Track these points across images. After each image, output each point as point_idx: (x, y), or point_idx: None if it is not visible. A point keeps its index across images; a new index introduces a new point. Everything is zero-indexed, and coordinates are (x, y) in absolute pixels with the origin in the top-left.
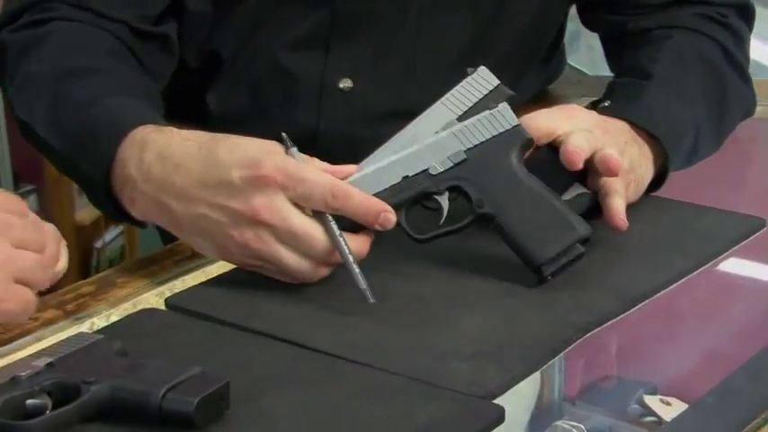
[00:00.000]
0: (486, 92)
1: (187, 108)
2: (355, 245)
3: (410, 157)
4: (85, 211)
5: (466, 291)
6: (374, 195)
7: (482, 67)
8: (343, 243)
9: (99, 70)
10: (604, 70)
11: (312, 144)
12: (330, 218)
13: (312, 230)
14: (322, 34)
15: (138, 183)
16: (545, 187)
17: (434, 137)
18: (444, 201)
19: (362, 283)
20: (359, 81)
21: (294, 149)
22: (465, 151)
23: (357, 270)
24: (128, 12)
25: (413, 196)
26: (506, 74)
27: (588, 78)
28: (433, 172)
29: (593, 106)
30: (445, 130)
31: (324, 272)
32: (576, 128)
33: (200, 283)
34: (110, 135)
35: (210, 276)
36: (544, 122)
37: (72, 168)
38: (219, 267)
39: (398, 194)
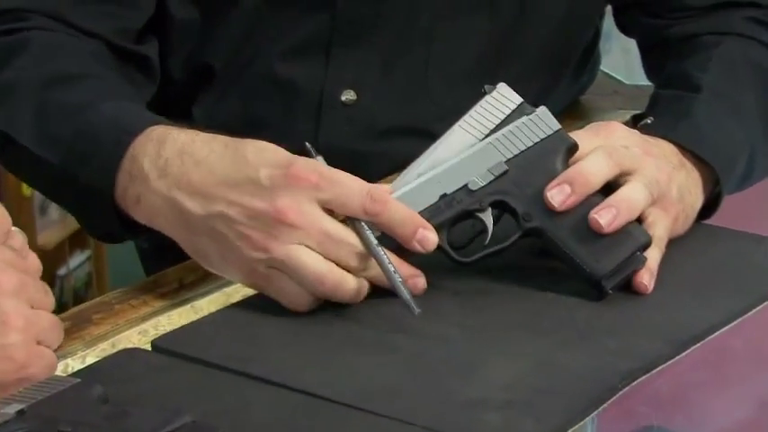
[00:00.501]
0: (508, 111)
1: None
2: (395, 261)
3: (446, 173)
4: (48, 234)
5: (493, 328)
6: None
7: (502, 84)
8: (382, 252)
9: (88, 75)
10: (643, 78)
11: None
12: (366, 226)
13: (347, 234)
14: (322, 41)
15: (150, 179)
16: (595, 193)
17: (471, 149)
18: (488, 218)
19: (405, 294)
20: (363, 93)
21: (320, 158)
22: (506, 162)
23: (399, 279)
24: (105, 24)
25: (453, 216)
26: (532, 86)
27: (626, 88)
28: (473, 187)
29: (635, 122)
30: (485, 141)
31: (351, 286)
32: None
33: (191, 323)
34: (117, 137)
35: (200, 311)
36: (584, 143)
37: (64, 183)
38: (210, 302)
39: (437, 215)
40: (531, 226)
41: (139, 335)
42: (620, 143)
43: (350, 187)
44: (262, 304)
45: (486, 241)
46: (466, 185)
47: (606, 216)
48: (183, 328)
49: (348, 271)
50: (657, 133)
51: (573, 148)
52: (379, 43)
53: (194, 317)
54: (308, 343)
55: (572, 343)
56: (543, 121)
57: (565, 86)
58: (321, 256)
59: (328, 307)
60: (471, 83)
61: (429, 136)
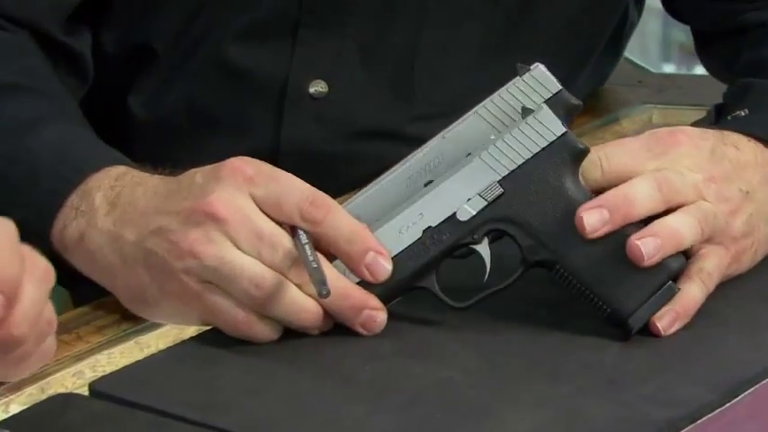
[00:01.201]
0: (541, 101)
1: (101, 113)
2: (341, 284)
3: (429, 202)
4: None
5: (503, 372)
6: (392, 260)
7: (539, 66)
8: (310, 252)
9: (20, 86)
10: (660, 62)
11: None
12: (303, 233)
13: (279, 234)
14: (287, 21)
15: (99, 214)
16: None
17: (456, 169)
18: (485, 250)
19: (319, 275)
20: (336, 85)
21: None
22: (500, 181)
23: (313, 261)
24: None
25: (442, 252)
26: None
27: (652, 77)
28: (462, 217)
29: (718, 114)
30: (471, 156)
31: (294, 296)
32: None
33: (136, 363)
34: (65, 174)
35: (147, 348)
36: (620, 160)
37: None
38: (159, 338)
39: (422, 254)
40: (537, 259)
41: (74, 377)
42: (680, 164)
43: (288, 185)
44: (222, 339)
45: (485, 278)
46: (453, 216)
47: (650, 245)
48: (127, 368)
49: (281, 268)
50: (753, 131)
51: (581, 154)
52: (357, 26)
53: (140, 355)
54: (282, 387)
55: (598, 389)
56: (543, 125)
57: (585, 79)
58: (252, 254)
59: (304, 341)
60: (468, 77)
61: (414, 140)
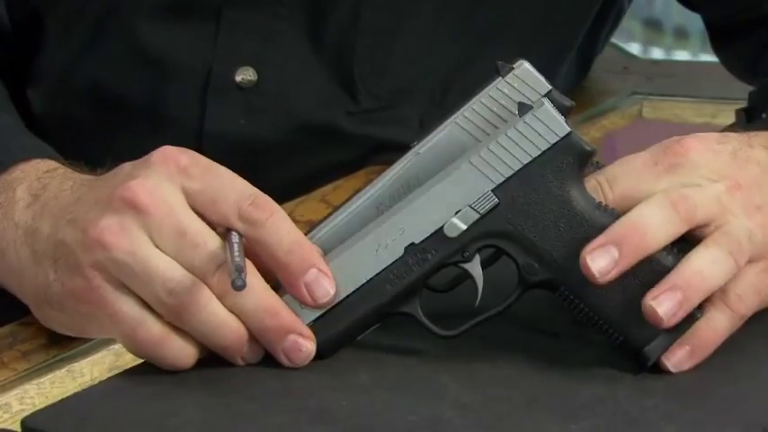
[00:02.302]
0: (528, 103)
1: None
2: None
3: (411, 215)
4: None
5: (502, 408)
6: (368, 283)
7: (523, 63)
8: (238, 251)
9: None
10: (647, 47)
11: None
12: (236, 234)
13: (210, 239)
14: None
15: (17, 208)
16: None
17: (442, 176)
18: (476, 268)
19: (239, 261)
20: (266, 72)
21: None
22: (494, 190)
23: (237, 254)
24: None
25: (426, 272)
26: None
27: (639, 64)
28: (450, 233)
29: (748, 117)
30: (460, 162)
31: (215, 310)
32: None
33: (73, 395)
34: None
35: (80, 377)
36: (625, 183)
37: None
38: (94, 365)
39: (404, 275)
40: (537, 280)
41: (0, 410)
42: (696, 175)
43: (228, 181)
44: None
45: (477, 301)
46: (440, 230)
47: (667, 303)
48: (63, 402)
49: (200, 272)
50: None
51: (587, 156)
52: (290, 5)
53: (73, 385)
54: (248, 425)
55: (615, 429)
56: (544, 124)
57: (572, 68)
58: (170, 252)
59: (270, 371)
60: (417, 69)
61: (355, 138)
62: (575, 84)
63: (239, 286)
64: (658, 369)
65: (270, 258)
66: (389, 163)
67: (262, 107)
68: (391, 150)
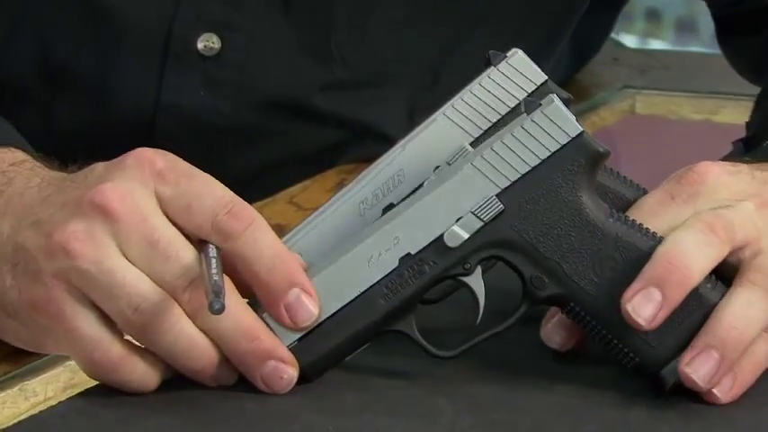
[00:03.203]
0: (523, 94)
1: None
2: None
3: (407, 223)
4: None
5: None
6: (359, 299)
7: (517, 51)
8: (215, 267)
9: None
10: (635, 37)
11: (147, 139)
12: (213, 248)
13: (184, 250)
14: None
15: None
16: (646, 233)
17: (441, 179)
18: (477, 282)
19: (217, 280)
20: (231, 40)
21: None
22: (498, 196)
23: (216, 271)
24: None
25: (423, 286)
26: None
27: (629, 54)
28: (451, 243)
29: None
30: (457, 162)
31: (184, 328)
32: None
33: (32, 417)
34: None
35: (33, 396)
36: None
37: None
38: (46, 382)
39: (399, 289)
40: (545, 295)
41: None
42: (720, 198)
43: (204, 187)
44: None
45: (478, 319)
46: (440, 239)
47: (704, 368)
48: (20, 425)
49: (171, 287)
50: None
51: (601, 159)
52: None
53: (26, 405)
54: None
55: None
56: (553, 122)
57: (564, 59)
58: (140, 264)
59: (243, 389)
60: (396, 39)
61: (326, 116)
62: (567, 76)
63: (217, 310)
64: (675, 392)
65: (247, 274)
66: (365, 159)
67: (224, 79)
68: (370, 139)
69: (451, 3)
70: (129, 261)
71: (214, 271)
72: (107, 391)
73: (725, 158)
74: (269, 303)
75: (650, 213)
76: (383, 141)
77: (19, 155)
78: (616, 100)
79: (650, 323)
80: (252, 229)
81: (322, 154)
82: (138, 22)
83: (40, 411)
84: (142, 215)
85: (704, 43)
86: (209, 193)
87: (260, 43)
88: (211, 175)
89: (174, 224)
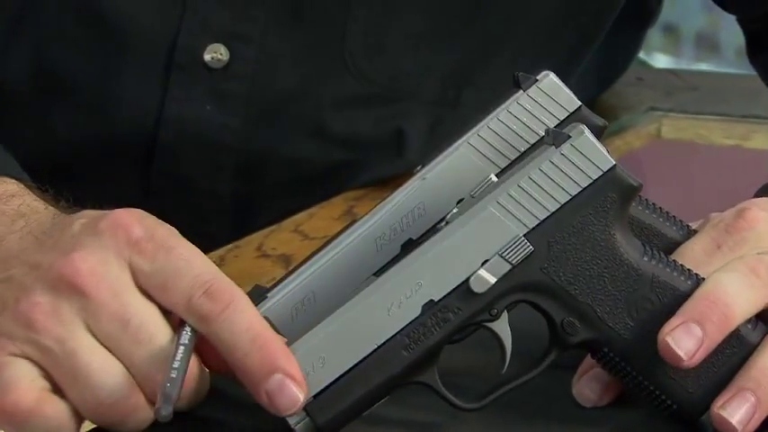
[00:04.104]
0: (555, 121)
1: None
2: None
3: (429, 267)
4: None
5: None
6: (379, 350)
7: (548, 74)
8: (180, 361)
9: None
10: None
11: (147, 155)
12: (189, 331)
13: (153, 325)
14: None
15: None
16: (683, 272)
17: (467, 215)
18: (504, 328)
19: (173, 375)
20: (240, 52)
21: None
22: (527, 236)
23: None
24: None
25: (448, 335)
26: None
27: (655, 74)
28: (477, 288)
29: None
30: (480, 198)
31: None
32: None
33: None
34: None
35: None
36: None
37: None
38: None
39: (422, 339)
40: (578, 340)
41: None
42: (765, 244)
43: (183, 262)
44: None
45: (504, 368)
46: (465, 284)
47: (739, 412)
48: None
49: (139, 373)
50: None
51: (634, 193)
52: None
53: None
54: None
55: None
56: (584, 156)
57: (587, 77)
58: (108, 351)
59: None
60: (414, 52)
61: (347, 139)
62: (591, 98)
63: (162, 417)
64: None
65: (226, 357)
66: (378, 182)
67: (232, 92)
68: (385, 159)
69: (474, 16)
70: (97, 340)
71: (176, 365)
72: None
73: (762, 189)
74: (250, 388)
75: (695, 263)
76: (398, 162)
77: (10, 188)
78: (641, 123)
79: (690, 359)
80: (229, 311)
81: (333, 174)
82: (141, 32)
83: None
84: (113, 291)
85: (727, 61)
86: (186, 271)
87: (270, 55)
88: (212, 199)
89: (150, 298)
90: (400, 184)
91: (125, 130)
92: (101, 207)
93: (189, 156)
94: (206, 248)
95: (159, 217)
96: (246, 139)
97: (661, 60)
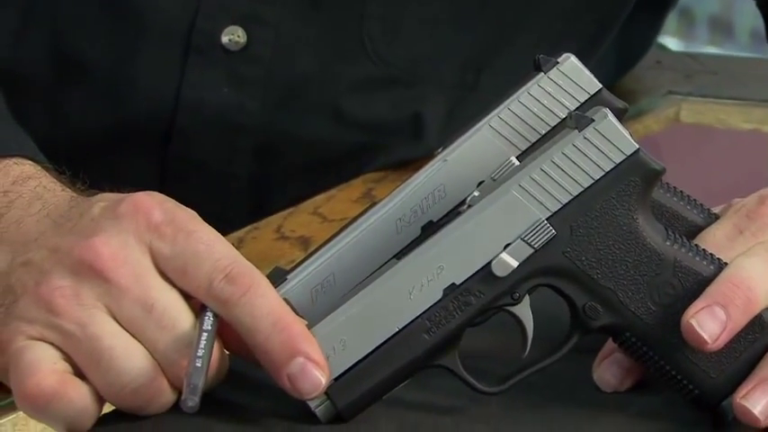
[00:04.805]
0: (575, 104)
1: None
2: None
3: (450, 251)
4: None
5: None
6: (400, 334)
7: (569, 57)
8: (204, 348)
9: None
10: (694, 40)
11: (164, 139)
12: (210, 316)
13: (177, 310)
14: None
15: None
16: (706, 257)
17: (488, 198)
18: (526, 312)
19: (198, 365)
20: (258, 34)
21: None
22: (549, 220)
23: (201, 366)
24: None
25: (470, 318)
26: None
27: (673, 57)
28: (499, 272)
29: None
30: (502, 182)
31: (167, 400)
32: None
33: None
34: None
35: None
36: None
37: None
38: (13, 424)
39: (443, 323)
40: (599, 324)
41: None
42: None
43: (204, 246)
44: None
45: (525, 352)
46: (487, 268)
47: (760, 403)
48: None
49: (164, 359)
50: None
51: (656, 177)
52: None
53: (37, 428)
54: None
55: None
56: (607, 139)
57: (607, 61)
58: (131, 336)
59: (270, 414)
60: (432, 34)
61: (365, 122)
62: (610, 81)
63: (189, 407)
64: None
65: (247, 341)
66: (396, 165)
67: (249, 75)
68: (402, 143)
69: (490, 0)
70: (119, 324)
71: (200, 353)
72: (124, 416)
73: None
74: (271, 372)
75: (717, 248)
76: (416, 146)
77: (26, 169)
78: (660, 107)
79: (714, 342)
80: (250, 295)
81: (350, 157)
82: (158, 14)
83: None
84: (135, 275)
85: (740, 44)
86: (206, 255)
87: (288, 38)
88: (230, 182)
89: (170, 282)
90: (419, 167)
91: (142, 113)
92: (118, 190)
93: (206, 139)
94: (224, 232)
95: (176, 201)
96: (264, 122)
97: (674, 44)
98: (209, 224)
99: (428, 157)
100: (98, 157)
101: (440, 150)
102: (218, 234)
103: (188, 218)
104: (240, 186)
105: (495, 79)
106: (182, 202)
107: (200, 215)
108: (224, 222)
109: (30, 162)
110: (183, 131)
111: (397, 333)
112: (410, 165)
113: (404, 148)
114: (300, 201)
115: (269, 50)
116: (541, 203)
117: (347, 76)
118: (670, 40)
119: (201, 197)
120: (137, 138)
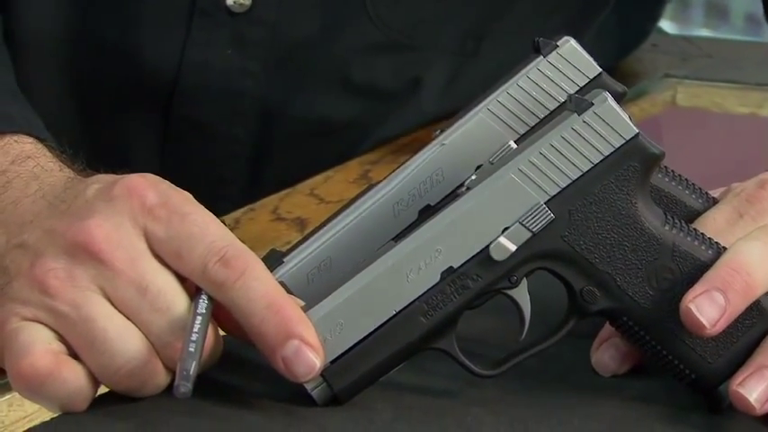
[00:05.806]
0: (574, 88)
1: None
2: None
3: (448, 234)
4: None
5: None
6: (397, 317)
7: (568, 40)
8: (197, 332)
9: None
10: (689, 22)
11: (167, 99)
12: (205, 299)
13: (171, 293)
14: None
15: None
16: (704, 241)
17: (486, 181)
18: (523, 296)
19: (191, 349)
20: None
21: None
22: (548, 204)
23: (193, 354)
24: None
25: (467, 302)
26: (548, 27)
27: (670, 40)
28: (497, 255)
29: None
30: (499, 165)
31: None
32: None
33: (59, 417)
34: None
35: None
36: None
37: None
38: (8, 405)
39: (440, 306)
40: (597, 308)
41: None
42: None
43: (198, 229)
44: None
45: (522, 335)
46: (485, 251)
47: (755, 390)
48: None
49: (158, 342)
50: None
51: (656, 161)
52: None
53: (33, 407)
54: None
55: None
56: (606, 123)
57: (602, 40)
58: (125, 318)
59: (269, 398)
60: (435, 3)
61: (367, 88)
62: (610, 64)
63: (181, 393)
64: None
65: (242, 324)
66: (394, 138)
67: (254, 37)
68: (403, 112)
69: None
70: (114, 306)
71: (193, 338)
72: (119, 398)
73: None
74: (266, 354)
75: (716, 232)
76: (415, 115)
77: (26, 148)
78: (657, 90)
79: (713, 326)
80: (245, 278)
81: (351, 123)
82: None
83: (52, 418)
84: (130, 258)
85: (735, 28)
86: (201, 237)
87: (291, 1)
88: (230, 145)
89: (165, 265)
90: (416, 147)
91: (147, 73)
92: (113, 171)
93: (208, 100)
94: (220, 210)
95: (177, 163)
96: (266, 85)
97: (669, 27)
98: (205, 194)
99: (425, 126)
100: (107, 114)
101: (438, 133)
102: (213, 216)
103: (182, 200)
104: (240, 148)
105: (495, 46)
106: (182, 164)
107: (198, 180)
108: (220, 187)
109: (30, 140)
110: (186, 92)
111: (395, 316)
112: (407, 140)
113: (402, 117)
114: (297, 175)
115: (273, 13)
116: (540, 187)
117: (349, 40)
118: (665, 23)
119: (201, 158)
120: (142, 97)
